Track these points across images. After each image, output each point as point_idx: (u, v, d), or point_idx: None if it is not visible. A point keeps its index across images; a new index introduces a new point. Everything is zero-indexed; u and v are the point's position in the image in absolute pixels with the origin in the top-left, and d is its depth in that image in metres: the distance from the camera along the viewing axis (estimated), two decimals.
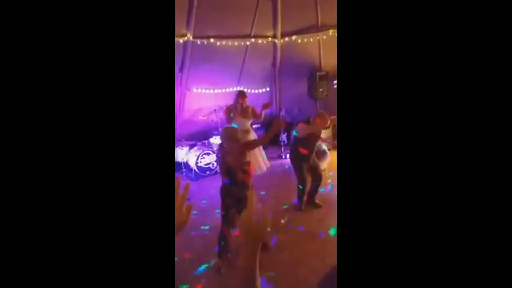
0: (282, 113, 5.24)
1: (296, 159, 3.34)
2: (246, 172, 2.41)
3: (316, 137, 3.35)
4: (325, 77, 5.42)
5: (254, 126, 4.25)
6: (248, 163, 2.46)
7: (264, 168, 3.84)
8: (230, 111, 3.63)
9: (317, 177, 3.41)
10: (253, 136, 3.83)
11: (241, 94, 3.63)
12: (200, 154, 4.37)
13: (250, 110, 3.70)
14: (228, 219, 2.47)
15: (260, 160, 3.79)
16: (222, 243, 2.50)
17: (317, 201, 3.49)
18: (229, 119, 3.60)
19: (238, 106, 3.59)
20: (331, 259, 2.46)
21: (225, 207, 2.48)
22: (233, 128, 2.58)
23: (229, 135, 2.41)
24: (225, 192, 2.48)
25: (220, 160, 2.52)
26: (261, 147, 3.94)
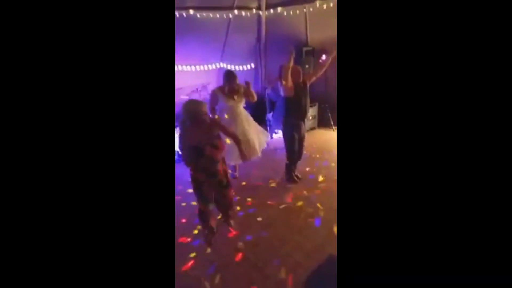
0: (268, 91, 5.06)
1: (288, 127, 3.25)
2: (216, 147, 2.18)
3: (303, 84, 3.17)
4: (311, 52, 5.23)
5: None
6: (218, 136, 2.23)
7: (259, 152, 3.46)
8: (216, 95, 3.20)
9: (300, 149, 3.40)
10: (245, 118, 3.39)
11: (230, 75, 3.18)
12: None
13: (241, 90, 3.25)
14: (202, 196, 2.34)
15: (256, 143, 3.40)
16: (203, 221, 2.45)
17: (297, 174, 3.51)
18: (214, 101, 3.23)
19: (225, 87, 3.18)
20: (316, 238, 2.48)
21: (196, 183, 2.30)
22: (199, 101, 2.20)
23: (195, 110, 2.05)
24: (194, 168, 2.23)
25: (181, 137, 2.18)
26: (257, 126, 3.55)
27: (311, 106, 4.41)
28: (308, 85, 3.27)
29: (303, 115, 3.27)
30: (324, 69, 3.28)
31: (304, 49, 5.17)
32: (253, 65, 5.30)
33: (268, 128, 5.08)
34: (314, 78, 3.31)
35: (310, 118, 4.84)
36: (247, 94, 3.28)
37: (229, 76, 3.20)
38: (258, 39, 5.15)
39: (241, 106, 3.37)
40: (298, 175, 3.55)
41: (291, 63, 3.00)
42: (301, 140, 3.38)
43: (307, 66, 5.23)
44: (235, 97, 3.25)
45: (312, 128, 5.28)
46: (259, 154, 3.51)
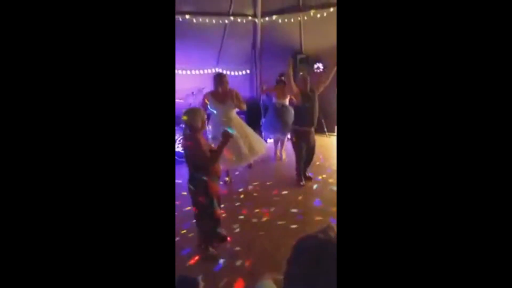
0: (262, 97, 5.07)
1: (295, 135, 3.33)
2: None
3: (311, 93, 3.24)
4: (306, 60, 5.30)
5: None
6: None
7: (249, 159, 3.38)
8: (206, 99, 3.12)
9: (309, 155, 3.47)
10: (237, 124, 3.29)
11: (219, 78, 3.11)
12: (177, 138, 4.12)
13: (233, 95, 3.16)
14: (207, 214, 2.23)
15: (243, 150, 3.29)
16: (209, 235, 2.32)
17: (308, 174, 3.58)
18: (204, 105, 3.13)
19: (217, 91, 3.10)
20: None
21: (197, 203, 2.20)
22: (198, 109, 2.17)
23: (194, 119, 2.04)
24: (199, 185, 2.16)
25: (188, 149, 2.11)
26: (253, 134, 3.48)
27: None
28: (317, 94, 3.32)
29: (310, 123, 3.29)
30: (330, 77, 3.33)
31: (299, 56, 5.23)
32: (248, 71, 5.32)
33: (263, 133, 5.06)
34: (322, 87, 3.37)
35: None
36: (238, 102, 3.17)
37: (218, 79, 3.11)
38: (254, 45, 5.20)
39: (233, 111, 3.28)
40: (310, 175, 3.57)
41: (291, 72, 3.09)
42: (310, 147, 3.40)
43: (301, 73, 5.29)
44: (226, 101, 3.15)
45: None
46: (250, 160, 3.44)
